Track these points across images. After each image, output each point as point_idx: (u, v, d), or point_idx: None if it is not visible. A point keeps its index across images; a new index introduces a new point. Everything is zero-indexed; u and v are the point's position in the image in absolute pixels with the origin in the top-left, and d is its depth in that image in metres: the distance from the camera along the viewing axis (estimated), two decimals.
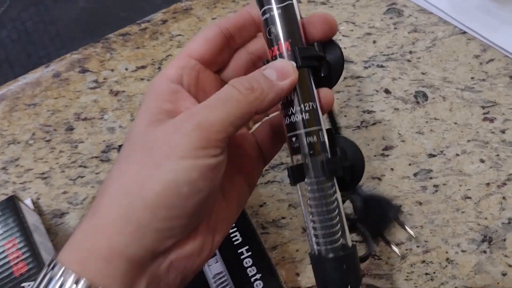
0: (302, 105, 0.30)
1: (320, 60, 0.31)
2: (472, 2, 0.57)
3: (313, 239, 0.30)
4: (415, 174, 0.46)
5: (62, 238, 0.45)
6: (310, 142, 0.30)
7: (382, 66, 0.53)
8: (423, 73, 0.52)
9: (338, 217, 0.30)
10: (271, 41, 0.30)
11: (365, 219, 0.42)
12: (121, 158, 0.28)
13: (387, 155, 0.47)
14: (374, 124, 0.49)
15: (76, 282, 0.24)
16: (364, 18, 0.57)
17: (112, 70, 0.56)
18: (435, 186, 0.45)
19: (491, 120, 0.48)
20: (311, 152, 0.30)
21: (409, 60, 0.53)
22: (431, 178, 0.45)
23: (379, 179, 0.46)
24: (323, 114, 0.31)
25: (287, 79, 0.28)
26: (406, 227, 0.42)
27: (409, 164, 0.46)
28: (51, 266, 0.25)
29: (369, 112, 0.50)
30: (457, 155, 0.46)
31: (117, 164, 0.28)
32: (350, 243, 0.30)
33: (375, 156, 0.47)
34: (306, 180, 0.30)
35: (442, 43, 0.54)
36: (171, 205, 0.25)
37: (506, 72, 0.51)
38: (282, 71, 0.29)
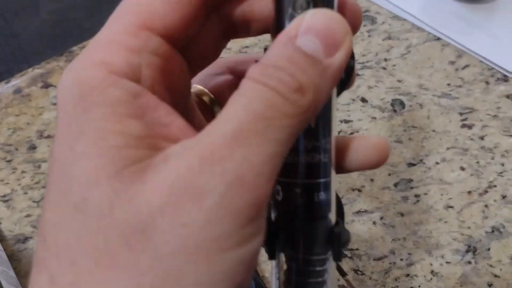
0: (323, 139, 0.20)
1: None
2: (445, 7, 0.57)
3: None
4: (395, 184, 0.45)
5: (26, 265, 0.42)
6: (317, 201, 0.20)
7: (357, 75, 0.52)
8: (399, 81, 0.51)
9: None
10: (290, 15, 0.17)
11: None
12: (68, 244, 0.15)
13: None
14: (351, 133, 0.48)
15: None
16: None
17: None
18: (416, 196, 0.44)
19: (470, 127, 0.48)
20: (308, 213, 0.20)
21: (384, 68, 0.53)
22: (411, 188, 0.44)
23: (359, 190, 0.44)
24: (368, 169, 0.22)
25: (341, 50, 0.16)
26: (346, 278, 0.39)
27: (389, 174, 0.45)
28: None
29: (346, 121, 0.49)
30: (437, 163, 0.46)
31: (65, 260, 0.15)
32: None
33: None
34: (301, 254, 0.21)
35: (417, 49, 0.54)
36: None
37: (482, 78, 0.51)
38: (329, 35, 0.16)
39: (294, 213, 0.20)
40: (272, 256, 0.21)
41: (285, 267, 0.21)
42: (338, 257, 0.21)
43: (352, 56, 0.21)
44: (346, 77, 0.21)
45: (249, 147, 0.14)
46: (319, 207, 0.20)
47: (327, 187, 0.20)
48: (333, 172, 0.21)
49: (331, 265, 0.21)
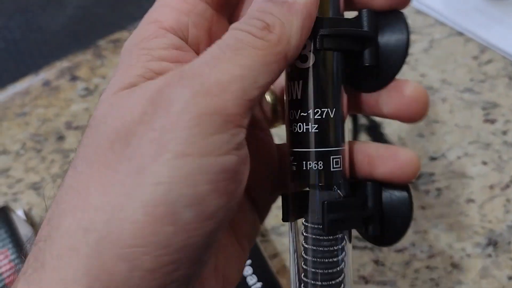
0: (312, 110, 0.21)
1: (363, 41, 0.21)
2: (468, 2, 0.57)
3: None
4: (417, 178, 0.46)
5: None
6: (318, 169, 0.21)
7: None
8: (422, 75, 0.52)
9: (341, 276, 0.22)
10: None
11: None
12: (78, 159, 0.18)
13: None
14: (372, 128, 0.49)
15: None
16: None
17: (103, 77, 0.55)
18: (438, 189, 0.45)
19: (492, 122, 0.48)
20: (319, 183, 0.21)
21: (407, 62, 0.53)
22: (433, 181, 0.45)
23: None
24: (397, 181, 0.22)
25: None
26: None
27: None
28: None
29: (367, 117, 0.50)
30: (459, 157, 0.46)
31: (72, 172, 0.18)
32: None
33: None
34: (304, 223, 0.22)
35: (440, 44, 0.55)
36: (162, 245, 0.16)
37: (505, 73, 0.52)
38: None
39: (307, 180, 0.21)
40: (285, 218, 0.22)
41: (302, 238, 0.22)
42: (331, 232, 0.21)
43: (406, 39, 0.22)
44: (374, 61, 0.22)
45: (218, 68, 0.17)
46: (333, 175, 0.21)
47: (338, 154, 0.21)
48: (346, 143, 0.22)
49: (347, 247, 0.22)
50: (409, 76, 0.52)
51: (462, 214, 0.43)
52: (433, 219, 0.43)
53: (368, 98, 0.23)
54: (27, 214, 0.46)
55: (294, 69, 0.21)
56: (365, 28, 0.21)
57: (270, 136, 0.26)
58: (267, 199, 0.25)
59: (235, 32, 0.18)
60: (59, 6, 0.83)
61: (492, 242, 0.42)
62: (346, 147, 0.22)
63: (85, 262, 0.16)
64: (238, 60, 0.17)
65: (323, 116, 0.21)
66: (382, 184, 0.22)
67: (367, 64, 0.22)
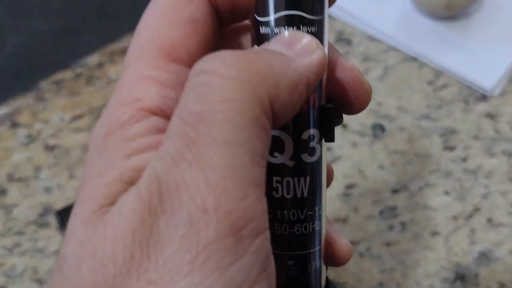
0: (318, 207, 0.20)
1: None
2: (420, 26, 0.58)
3: None
4: (380, 213, 0.45)
5: None
6: (315, 267, 0.20)
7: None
8: (378, 104, 0.52)
9: None
10: None
11: None
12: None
13: (349, 194, 0.46)
14: (333, 161, 0.48)
15: None
16: None
17: (46, 122, 0.53)
18: (402, 223, 0.44)
19: (451, 149, 0.48)
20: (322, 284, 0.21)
21: None
22: (396, 215, 0.45)
23: (344, 220, 0.45)
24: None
25: (311, 55, 0.17)
26: None
27: (373, 202, 0.46)
28: None
29: (327, 148, 0.49)
30: (421, 188, 0.46)
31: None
32: None
33: (337, 195, 0.46)
34: None
35: (394, 70, 0.55)
36: None
37: (460, 97, 0.52)
38: (293, 42, 0.17)
39: (285, 282, 0.20)
40: None
41: None
42: None
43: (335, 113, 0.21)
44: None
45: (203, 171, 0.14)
46: (311, 276, 0.20)
47: (319, 255, 0.20)
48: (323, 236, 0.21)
49: None
50: None
51: (428, 248, 0.43)
52: (399, 255, 0.43)
53: None
54: None
55: (300, 164, 0.19)
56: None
57: None
58: None
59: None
60: None
61: (459, 276, 0.41)
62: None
63: None
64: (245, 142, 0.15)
65: (323, 211, 0.20)
66: None
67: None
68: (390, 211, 0.45)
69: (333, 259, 0.22)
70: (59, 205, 0.47)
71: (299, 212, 0.19)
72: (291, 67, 0.16)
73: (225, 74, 0.15)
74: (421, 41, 0.57)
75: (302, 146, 0.19)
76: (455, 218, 0.45)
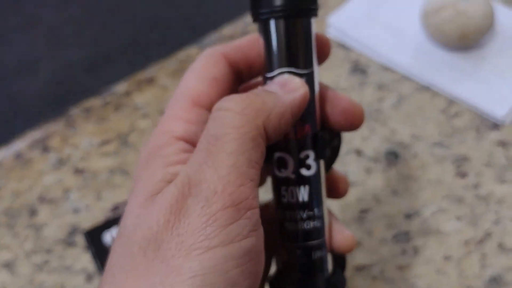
0: (316, 209, 0.25)
1: (335, 149, 0.28)
2: (433, 56, 0.59)
3: None
4: (393, 237, 0.46)
5: None
6: (317, 257, 0.25)
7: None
8: (392, 131, 0.53)
9: None
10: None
11: None
12: (112, 264, 0.21)
13: (363, 218, 0.47)
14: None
15: None
16: (330, 79, 0.59)
17: (76, 147, 0.55)
18: (415, 248, 0.45)
19: (463, 176, 0.49)
20: (312, 270, 0.26)
21: (377, 119, 0.54)
22: (409, 239, 0.45)
23: (358, 244, 0.45)
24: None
25: (297, 91, 0.24)
26: None
27: (387, 227, 0.46)
28: None
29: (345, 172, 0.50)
30: (433, 214, 0.47)
31: (111, 279, 0.21)
32: None
33: (352, 219, 0.47)
34: None
35: (408, 99, 0.56)
36: None
37: (473, 126, 0.53)
38: (287, 84, 0.24)
39: (296, 268, 0.26)
40: None
41: None
42: None
43: (338, 136, 0.28)
44: (332, 154, 0.28)
45: (214, 168, 0.21)
46: (316, 262, 0.25)
47: (322, 246, 0.26)
48: (326, 231, 0.26)
49: None
50: (380, 132, 0.53)
51: (440, 272, 0.43)
52: (412, 279, 0.43)
53: None
54: None
55: (300, 176, 0.25)
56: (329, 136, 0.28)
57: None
58: None
59: (224, 113, 0.23)
60: (32, 72, 0.83)
61: None
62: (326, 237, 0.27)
63: None
64: (227, 149, 0.21)
65: (321, 214, 0.26)
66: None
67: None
68: (403, 236, 0.46)
69: (338, 248, 0.28)
70: (87, 225, 0.49)
71: (301, 213, 0.25)
72: (279, 102, 0.23)
73: (233, 109, 0.22)
74: (434, 70, 0.58)
75: (300, 163, 0.25)
76: (466, 243, 0.45)
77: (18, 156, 0.55)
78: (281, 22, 0.24)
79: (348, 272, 0.44)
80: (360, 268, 0.44)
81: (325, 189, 0.27)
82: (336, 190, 0.30)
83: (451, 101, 0.55)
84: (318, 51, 0.26)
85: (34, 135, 0.57)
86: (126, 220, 0.22)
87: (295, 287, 0.26)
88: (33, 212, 0.50)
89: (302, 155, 0.25)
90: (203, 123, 0.23)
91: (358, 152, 0.52)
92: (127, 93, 0.59)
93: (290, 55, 0.24)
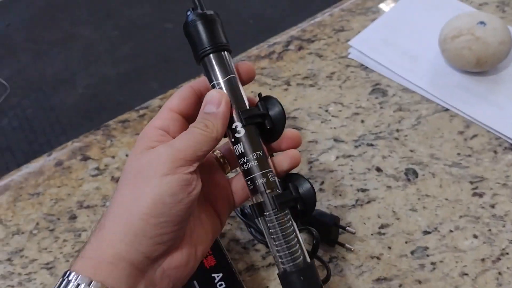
0: (251, 155, 0.36)
1: (263, 117, 0.37)
2: (452, 80, 0.60)
3: (279, 260, 0.36)
4: (412, 252, 0.46)
5: None
6: (263, 182, 0.36)
7: (371, 145, 0.55)
8: (411, 151, 0.54)
9: (296, 239, 0.36)
10: None
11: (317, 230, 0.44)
12: (119, 184, 0.34)
13: (384, 234, 0.48)
14: (368, 202, 0.50)
15: (89, 284, 0.30)
16: (351, 99, 0.60)
17: (113, 157, 0.57)
18: (433, 263, 0.45)
19: (480, 195, 0.49)
20: (265, 190, 0.36)
21: (396, 138, 0.55)
22: (428, 255, 0.46)
23: (378, 258, 0.46)
24: (286, 173, 0.38)
25: (222, 104, 0.35)
26: (347, 228, 0.47)
27: (406, 242, 0.47)
28: (66, 275, 0.31)
29: (363, 190, 0.51)
30: (451, 231, 0.47)
31: (117, 189, 0.34)
32: (308, 259, 0.36)
33: (372, 234, 0.48)
34: (265, 213, 0.36)
35: (427, 120, 0.56)
36: (160, 213, 0.31)
37: (490, 147, 0.53)
38: (213, 101, 0.36)
39: (252, 193, 0.36)
40: (257, 216, 0.36)
41: (267, 226, 0.36)
42: (282, 208, 0.36)
43: (282, 110, 0.37)
44: (271, 125, 0.37)
45: (182, 141, 0.34)
46: (262, 186, 0.36)
47: (263, 175, 0.36)
48: (271, 164, 0.37)
49: (293, 222, 0.36)
50: (399, 151, 0.54)
51: None
52: None
53: (273, 145, 0.38)
54: None
55: (235, 138, 0.37)
56: (262, 110, 0.37)
57: (224, 176, 0.40)
58: (229, 206, 0.40)
59: (192, 127, 0.35)
60: (70, 86, 0.85)
61: None
62: (272, 167, 0.37)
63: (122, 224, 0.32)
64: (192, 139, 0.34)
65: (258, 156, 0.36)
66: (296, 181, 0.37)
67: (268, 127, 0.37)
68: (422, 251, 0.46)
69: (284, 169, 0.38)
70: None
71: (242, 159, 0.36)
72: (216, 119, 0.35)
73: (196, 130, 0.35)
74: (452, 94, 0.58)
75: (233, 131, 0.36)
76: (483, 260, 0.45)
77: (59, 164, 0.57)
78: (206, 59, 0.37)
79: (367, 285, 0.44)
80: (379, 281, 0.45)
81: (259, 140, 0.37)
82: (289, 140, 0.38)
83: (469, 123, 0.55)
84: (243, 72, 0.38)
85: (73, 144, 0.58)
86: (130, 162, 0.34)
87: (256, 206, 0.36)
88: (72, 217, 0.52)
89: (233, 126, 0.36)
90: (172, 119, 0.36)
91: (379, 170, 0.52)
92: (160, 107, 0.61)
93: (213, 75, 0.37)
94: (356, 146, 0.55)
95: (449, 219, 0.48)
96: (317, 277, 0.36)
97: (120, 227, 0.32)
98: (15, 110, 1.01)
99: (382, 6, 0.71)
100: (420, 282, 0.44)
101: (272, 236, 0.36)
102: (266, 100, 0.38)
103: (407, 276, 0.45)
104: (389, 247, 0.47)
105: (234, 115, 0.36)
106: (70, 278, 0.30)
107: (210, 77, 0.37)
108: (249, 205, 0.37)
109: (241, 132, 0.36)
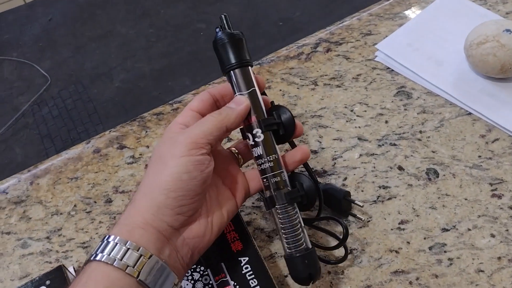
0: (267, 157, 0.41)
1: (278, 125, 0.43)
2: (475, 84, 0.60)
3: (285, 245, 0.41)
4: (430, 248, 0.47)
5: None
6: (275, 181, 0.41)
7: (394, 145, 0.56)
8: (433, 151, 0.54)
9: (300, 229, 0.41)
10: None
11: (328, 205, 0.50)
12: (147, 168, 0.40)
13: (403, 229, 0.49)
14: (389, 199, 0.51)
15: (125, 243, 0.34)
16: (376, 100, 0.60)
17: (148, 147, 0.59)
18: (450, 259, 0.46)
19: (499, 197, 0.50)
20: (276, 188, 0.41)
21: (419, 139, 0.56)
22: (445, 251, 0.47)
23: (397, 251, 0.47)
24: (300, 164, 0.44)
25: (242, 105, 0.41)
26: (356, 202, 0.49)
27: (424, 238, 0.48)
28: (106, 237, 0.35)
29: (385, 187, 0.52)
30: (469, 229, 0.48)
31: (145, 172, 0.41)
32: (310, 246, 0.41)
33: (391, 229, 0.49)
34: (276, 206, 0.41)
35: (450, 123, 0.57)
36: (177, 188, 0.36)
37: (511, 151, 0.53)
38: (237, 101, 0.41)
39: (268, 189, 0.42)
40: (269, 208, 0.42)
41: (277, 216, 0.41)
42: (291, 203, 0.41)
43: (292, 118, 0.43)
44: (283, 131, 0.43)
45: (195, 128, 0.39)
46: (276, 184, 0.41)
47: (276, 175, 0.41)
48: (282, 165, 0.42)
49: (299, 214, 0.42)
50: (421, 152, 0.54)
51: (472, 284, 0.44)
52: (446, 287, 0.44)
53: (287, 159, 0.44)
54: (77, 272, 0.48)
55: (255, 142, 0.42)
56: (276, 118, 0.43)
57: (238, 168, 0.45)
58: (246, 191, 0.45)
59: (207, 116, 0.40)
60: (107, 79, 0.87)
61: None
62: (284, 168, 0.42)
63: (148, 199, 0.37)
64: (204, 125, 0.39)
65: (273, 158, 0.41)
66: (279, 110, 0.43)
67: (281, 134, 0.43)
68: (440, 247, 0.47)
69: (294, 165, 0.44)
70: None
71: (259, 160, 0.41)
72: (234, 112, 0.40)
73: (214, 115, 0.41)
74: (476, 98, 0.59)
75: (254, 136, 0.42)
76: (499, 259, 0.46)
77: (96, 151, 0.59)
78: (232, 72, 0.42)
79: (386, 276, 0.45)
80: (397, 273, 0.46)
81: (274, 144, 0.42)
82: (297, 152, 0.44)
83: (490, 127, 0.56)
84: (259, 84, 0.43)
85: (110, 134, 0.61)
86: (154, 149, 0.40)
87: (269, 199, 0.42)
88: (108, 201, 0.54)
89: (254, 131, 0.42)
90: (191, 117, 0.41)
91: (401, 168, 0.53)
92: None
93: (238, 87, 0.43)
94: (379, 145, 0.56)
95: (468, 218, 0.49)
96: (317, 261, 0.41)
97: (147, 201, 0.37)
98: (55, 100, 1.05)
99: (409, 12, 0.71)
100: (436, 276, 0.45)
101: (281, 226, 0.41)
102: (278, 109, 0.43)
103: (424, 270, 0.46)
104: (408, 242, 0.48)
105: (255, 122, 0.42)
106: (109, 240, 0.35)
107: (234, 88, 0.42)
108: (263, 198, 0.42)
109: (260, 137, 0.42)
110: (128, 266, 0.33)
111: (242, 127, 0.43)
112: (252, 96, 0.42)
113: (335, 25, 0.71)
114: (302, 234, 0.41)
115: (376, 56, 0.65)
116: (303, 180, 0.43)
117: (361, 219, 0.49)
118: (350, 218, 0.50)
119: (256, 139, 0.42)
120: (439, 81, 0.61)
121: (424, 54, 0.64)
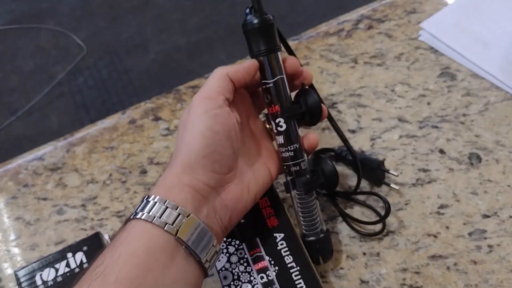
0: (288, 147, 0.42)
1: (303, 114, 0.43)
2: None
3: (302, 227, 0.44)
4: (469, 234, 0.46)
5: None
6: (295, 170, 0.43)
7: (436, 127, 0.54)
8: (476, 136, 0.53)
9: (316, 214, 0.43)
10: (268, 103, 0.43)
11: (364, 175, 0.50)
12: (180, 127, 0.41)
13: (442, 213, 0.48)
14: (429, 182, 0.50)
15: (164, 202, 0.35)
16: (419, 80, 0.59)
17: None
18: (490, 246, 0.45)
19: None
20: (296, 175, 0.43)
21: (462, 123, 0.54)
22: (485, 238, 0.45)
23: (435, 236, 0.46)
24: (309, 153, 0.44)
25: (252, 66, 0.42)
26: (390, 171, 0.50)
27: (464, 224, 0.47)
28: (145, 197, 0.36)
29: (425, 170, 0.51)
30: (511, 217, 0.46)
31: (177, 136, 0.42)
32: (325, 228, 0.44)
33: (430, 213, 0.48)
34: (295, 191, 0.43)
35: (495, 107, 0.55)
36: (204, 146, 0.37)
37: None
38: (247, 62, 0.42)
39: (288, 175, 0.44)
40: (288, 191, 0.44)
41: (295, 201, 0.44)
42: (308, 192, 0.43)
43: (319, 101, 0.43)
44: (310, 118, 0.43)
45: (206, 86, 0.40)
46: (297, 172, 0.43)
47: (297, 164, 0.43)
48: (304, 155, 0.43)
49: (317, 202, 0.44)
50: (464, 136, 0.53)
51: None
52: (484, 274, 0.43)
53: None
54: (111, 239, 0.49)
55: (278, 131, 0.42)
56: (302, 107, 0.42)
57: (271, 143, 0.46)
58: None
59: (214, 71, 0.42)
60: (143, 51, 0.87)
61: None
62: (305, 157, 0.43)
63: (181, 160, 0.38)
64: (214, 81, 0.40)
65: (294, 148, 0.42)
66: (306, 96, 0.43)
67: (307, 120, 0.43)
68: (480, 234, 0.46)
69: (309, 149, 0.44)
70: None
71: (281, 148, 0.42)
72: (240, 66, 0.41)
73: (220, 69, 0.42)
74: None
75: (277, 125, 0.42)
76: None
77: (132, 122, 0.59)
78: (263, 58, 0.42)
79: (422, 260, 0.45)
80: (434, 257, 0.45)
81: (297, 133, 0.43)
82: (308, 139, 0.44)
83: None
84: (288, 66, 0.43)
85: (146, 105, 0.61)
86: (191, 108, 0.40)
87: (289, 182, 0.43)
88: (143, 172, 0.55)
89: (277, 120, 0.42)
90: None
91: (442, 152, 0.52)
92: None
93: (264, 74, 0.42)
94: (420, 127, 0.54)
95: (510, 205, 0.47)
96: (331, 244, 0.45)
97: (181, 163, 0.38)
98: (90, 70, 1.05)
99: None
100: (475, 262, 0.44)
101: (299, 209, 0.43)
102: (305, 94, 0.43)
103: (462, 256, 0.45)
104: (447, 227, 0.47)
105: (279, 111, 0.42)
106: (149, 200, 0.36)
107: (263, 75, 0.42)
108: (284, 182, 0.44)
109: (283, 126, 0.42)
110: (167, 223, 0.34)
111: (267, 112, 0.43)
112: (277, 85, 0.42)
113: (378, 2, 0.69)
114: (318, 219, 0.43)
115: (420, 35, 0.63)
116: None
117: (396, 189, 0.49)
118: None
119: (279, 128, 0.42)
120: (485, 63, 0.59)
121: (471, 35, 0.62)
